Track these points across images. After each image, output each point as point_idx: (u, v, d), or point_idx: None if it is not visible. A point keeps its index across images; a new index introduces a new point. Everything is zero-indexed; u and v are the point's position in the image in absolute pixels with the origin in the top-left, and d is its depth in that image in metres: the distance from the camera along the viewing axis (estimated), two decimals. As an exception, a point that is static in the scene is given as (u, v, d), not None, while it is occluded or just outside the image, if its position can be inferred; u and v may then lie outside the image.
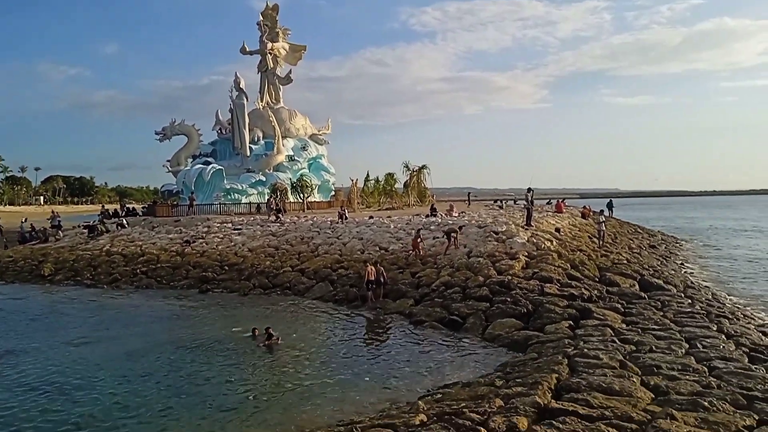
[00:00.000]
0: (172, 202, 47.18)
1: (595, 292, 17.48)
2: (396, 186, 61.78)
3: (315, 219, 35.05)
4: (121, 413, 10.51)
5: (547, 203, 50.26)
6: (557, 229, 28.47)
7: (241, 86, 48.48)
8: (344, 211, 35.31)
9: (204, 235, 32.51)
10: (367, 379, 12.24)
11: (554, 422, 7.31)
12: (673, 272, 24.84)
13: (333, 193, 55.76)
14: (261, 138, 50.23)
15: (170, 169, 50.60)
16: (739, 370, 10.00)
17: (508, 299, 16.92)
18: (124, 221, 38.27)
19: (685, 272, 26.79)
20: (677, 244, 41.52)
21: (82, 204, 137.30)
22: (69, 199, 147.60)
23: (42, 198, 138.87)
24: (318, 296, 21.81)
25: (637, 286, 18.88)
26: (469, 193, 75.42)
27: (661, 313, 15.21)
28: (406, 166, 60.23)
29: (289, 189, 46.58)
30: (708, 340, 12.27)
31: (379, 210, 48.87)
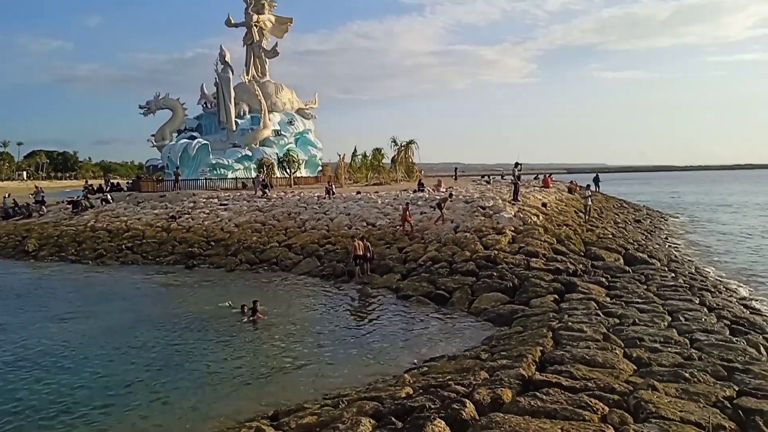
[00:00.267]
0: (157, 177, 46.71)
1: (581, 266, 17.64)
2: (383, 161, 61.63)
3: (302, 194, 34.91)
4: (108, 387, 10.50)
5: (534, 178, 50.40)
6: (544, 204, 28.59)
7: (226, 59, 47.82)
8: (331, 186, 35.17)
9: (190, 210, 32.30)
10: (354, 352, 12.31)
11: (538, 393, 7.40)
12: (657, 246, 25.08)
13: (320, 168, 55.51)
14: (247, 112, 49.72)
15: (155, 143, 49.96)
16: (720, 342, 10.16)
17: (494, 274, 17.03)
18: (109, 197, 37.86)
19: (669, 246, 27.06)
20: (662, 219, 41.86)
21: (65, 179, 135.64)
22: (52, 174, 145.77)
23: (25, 173, 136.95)
24: (305, 271, 21.81)
25: (621, 260, 19.08)
26: (456, 168, 75.32)
27: (645, 287, 15.39)
28: (394, 141, 60.04)
29: (275, 164, 46.26)
30: (690, 313, 12.45)
31: (366, 185, 48.74)
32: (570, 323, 11.64)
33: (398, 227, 24.49)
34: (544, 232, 21.94)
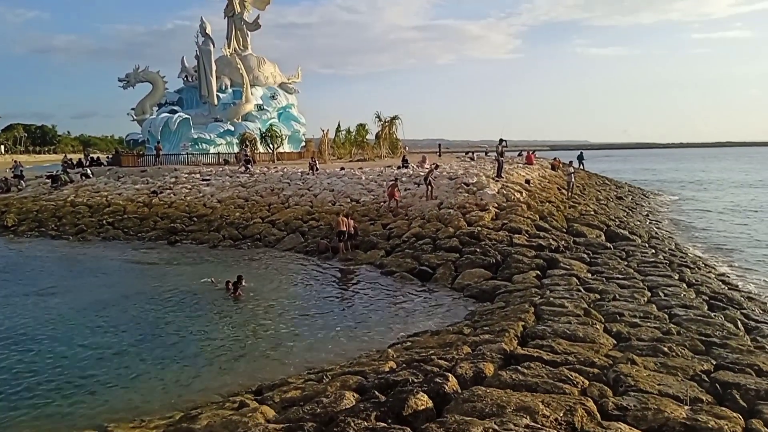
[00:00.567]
0: (138, 152, 46.06)
1: (563, 242, 17.78)
2: (367, 137, 61.21)
3: (285, 170, 34.69)
4: (91, 362, 10.45)
5: (518, 155, 50.46)
6: (527, 181, 28.69)
7: (207, 32, 46.91)
8: (315, 162, 34.96)
9: (171, 185, 31.99)
10: (338, 328, 12.35)
11: (519, 368, 7.48)
12: (638, 223, 25.36)
13: (303, 143, 55.03)
14: (229, 86, 48.95)
15: (135, 117, 49.11)
16: (699, 318, 10.34)
17: (478, 250, 17.10)
18: (89, 171, 37.35)
19: (650, 223, 27.37)
20: (643, 196, 42.29)
21: (44, 153, 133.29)
22: (31, 148, 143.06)
23: (2, 147, 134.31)
24: (289, 248, 21.76)
25: (603, 237, 19.27)
26: (439, 144, 75.16)
27: (626, 263, 15.57)
28: (378, 117, 59.52)
29: (258, 139, 45.80)
30: (670, 289, 12.64)
31: (350, 161, 48.48)
32: (552, 299, 11.76)
33: (383, 203, 24.46)
34: (527, 208, 22.06)
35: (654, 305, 11.31)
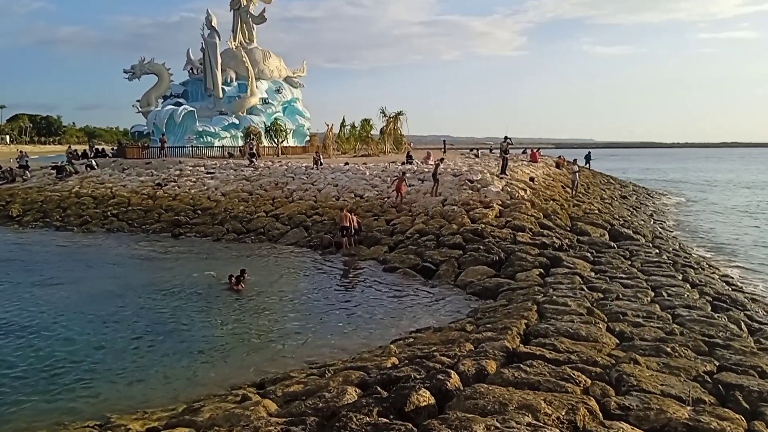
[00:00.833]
0: (143, 144, 46.12)
1: (566, 241, 17.75)
2: (372, 132, 61.14)
3: (289, 164, 34.69)
4: (95, 354, 10.49)
5: (522, 152, 50.37)
6: (531, 179, 28.65)
7: (213, 24, 46.84)
8: (319, 156, 34.95)
9: (176, 178, 32.02)
10: (341, 323, 12.37)
11: (522, 365, 7.48)
12: (642, 223, 25.32)
13: (308, 138, 55.02)
14: (234, 79, 48.96)
15: (140, 109, 49.22)
16: (702, 318, 10.31)
17: (481, 247, 17.09)
18: (94, 162, 37.42)
19: (654, 223, 27.32)
20: (648, 196, 42.19)
21: (49, 144, 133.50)
22: (36, 138, 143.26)
23: (8, 137, 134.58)
24: (292, 242, 21.78)
25: (607, 236, 19.24)
26: (444, 141, 75.05)
27: (629, 263, 15.54)
28: (383, 113, 59.41)
29: (262, 133, 45.80)
30: (673, 289, 12.61)
31: (354, 156, 48.46)
32: (555, 297, 11.74)
33: (386, 199, 24.47)
34: (531, 206, 22.03)
35: (657, 305, 11.28)
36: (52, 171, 35.87)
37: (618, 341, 9.04)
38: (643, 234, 20.29)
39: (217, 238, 23.10)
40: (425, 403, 6.34)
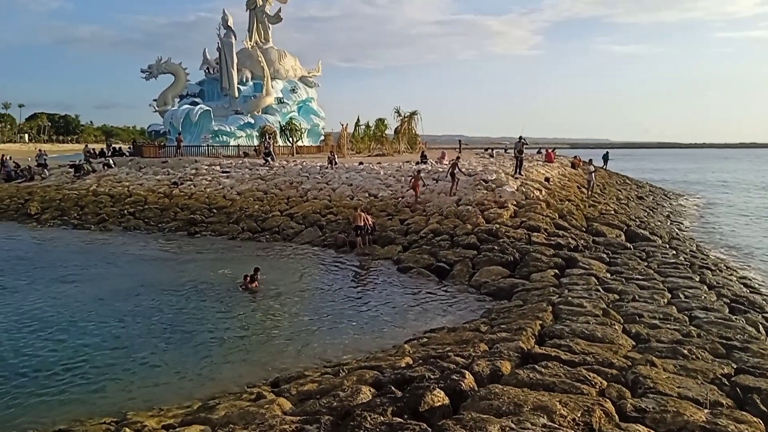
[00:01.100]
0: (159, 143, 46.50)
1: (582, 241, 17.64)
2: (386, 132, 61.09)
3: (304, 164, 34.79)
4: (110, 350, 10.61)
5: (537, 153, 50.09)
6: (547, 179, 28.47)
7: (229, 24, 47.08)
8: (334, 156, 35.01)
9: (192, 177, 32.24)
10: (355, 322, 12.38)
11: (537, 366, 7.45)
12: (659, 224, 25.07)
13: (322, 137, 55.10)
14: (249, 79, 49.18)
15: (157, 108, 49.59)
16: (720, 320, 10.20)
17: (496, 247, 17.03)
18: (111, 161, 37.79)
19: (671, 224, 27.04)
20: (665, 196, 41.78)
21: (67, 143, 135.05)
22: (54, 137, 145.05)
23: (27, 136, 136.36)
24: (307, 241, 21.85)
25: (623, 237, 19.08)
26: (460, 140, 74.90)
27: (646, 264, 15.41)
28: (397, 112, 59.34)
29: (278, 132, 45.98)
30: (690, 291, 12.49)
31: (369, 156, 48.47)
32: (570, 298, 11.68)
33: (401, 198, 24.49)
34: (546, 206, 21.91)
35: (674, 307, 11.18)
36: (70, 169, 36.26)
37: (634, 343, 8.98)
38: (660, 235, 20.11)
39: (232, 236, 23.23)
40: (440, 404, 6.33)
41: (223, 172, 32.72)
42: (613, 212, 24.36)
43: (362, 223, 19.83)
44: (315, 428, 5.97)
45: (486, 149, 58.08)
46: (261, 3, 52.78)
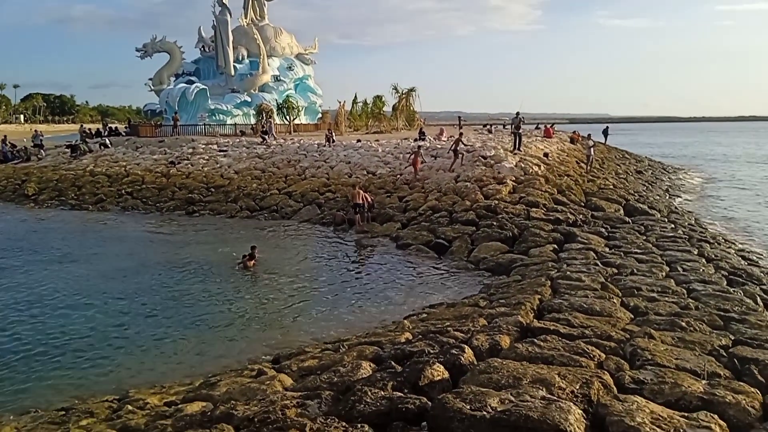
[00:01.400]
0: (156, 122, 46.23)
1: (581, 216, 17.65)
2: (384, 109, 60.72)
3: (302, 142, 34.64)
4: (110, 329, 10.64)
5: (536, 128, 49.84)
6: (545, 154, 28.38)
7: (224, 2, 46.47)
8: (331, 134, 34.83)
9: (189, 156, 32.11)
10: (354, 299, 12.43)
11: (536, 340, 7.48)
12: (658, 198, 25.08)
13: (320, 115, 54.81)
14: (245, 57, 48.74)
15: (152, 87, 49.22)
16: (717, 293, 10.23)
17: (494, 223, 17.04)
18: (107, 141, 37.59)
19: (669, 198, 27.04)
20: (664, 170, 41.71)
21: (63, 123, 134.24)
22: (50, 117, 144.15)
23: (22, 116, 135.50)
24: (305, 219, 21.85)
25: (621, 211, 19.09)
26: (459, 117, 74.40)
27: (644, 238, 15.43)
28: (395, 89, 58.88)
29: (275, 110, 45.69)
30: (688, 264, 12.52)
31: (366, 133, 48.27)
32: (569, 272, 11.70)
33: (399, 176, 24.46)
34: (545, 182, 21.87)
35: (672, 280, 11.21)
36: (67, 150, 36.08)
37: (632, 316, 9.02)
38: (659, 209, 20.11)
39: (230, 215, 23.21)
40: (439, 378, 6.37)
41: (220, 150, 32.57)
42: (612, 187, 24.34)
43: (361, 201, 19.80)
44: (316, 403, 6.01)
45: (484, 125, 57.77)
46: (256, -21, 52.06)
